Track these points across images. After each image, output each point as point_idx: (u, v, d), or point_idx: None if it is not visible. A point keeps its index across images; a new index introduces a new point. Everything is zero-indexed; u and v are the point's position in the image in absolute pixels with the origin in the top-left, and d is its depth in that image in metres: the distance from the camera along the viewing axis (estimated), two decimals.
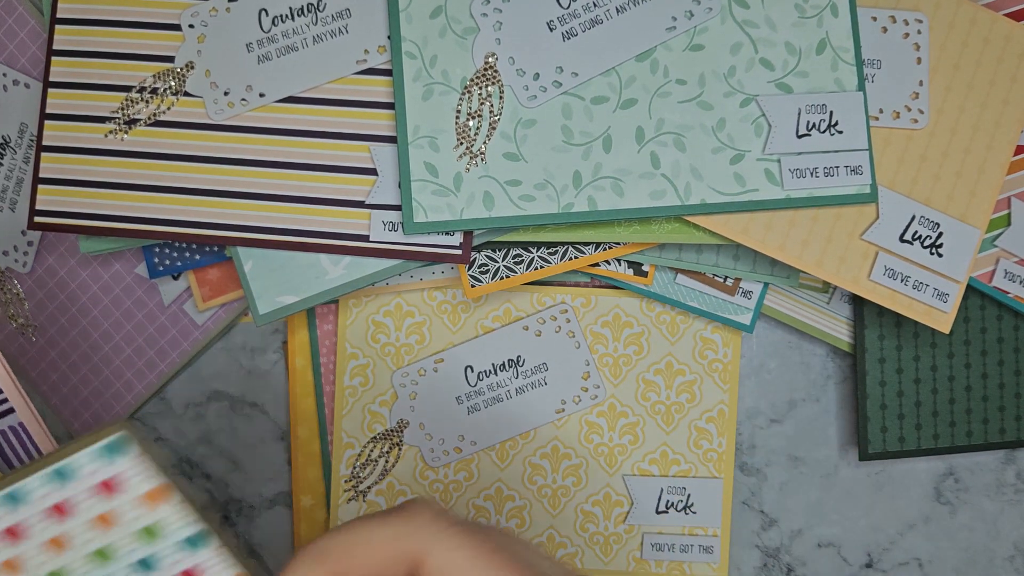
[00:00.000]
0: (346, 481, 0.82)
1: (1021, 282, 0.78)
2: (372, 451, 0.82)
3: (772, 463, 0.86)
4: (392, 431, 0.82)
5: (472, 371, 0.81)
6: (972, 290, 0.80)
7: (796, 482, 0.86)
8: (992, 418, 0.82)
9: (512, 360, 0.81)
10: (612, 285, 0.81)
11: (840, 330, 0.82)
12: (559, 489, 0.82)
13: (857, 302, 0.81)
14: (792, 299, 0.82)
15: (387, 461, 0.82)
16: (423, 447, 0.82)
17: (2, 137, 0.81)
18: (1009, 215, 0.78)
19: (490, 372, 0.81)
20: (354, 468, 0.82)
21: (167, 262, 0.79)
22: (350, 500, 0.82)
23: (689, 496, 0.82)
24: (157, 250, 0.79)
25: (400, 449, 0.82)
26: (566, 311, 0.81)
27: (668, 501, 0.82)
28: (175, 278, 0.82)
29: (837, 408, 0.85)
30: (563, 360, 0.81)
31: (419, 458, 0.82)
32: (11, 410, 0.62)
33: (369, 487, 0.82)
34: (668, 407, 0.82)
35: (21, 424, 0.62)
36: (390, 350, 0.81)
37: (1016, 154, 0.77)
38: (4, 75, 0.80)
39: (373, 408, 0.82)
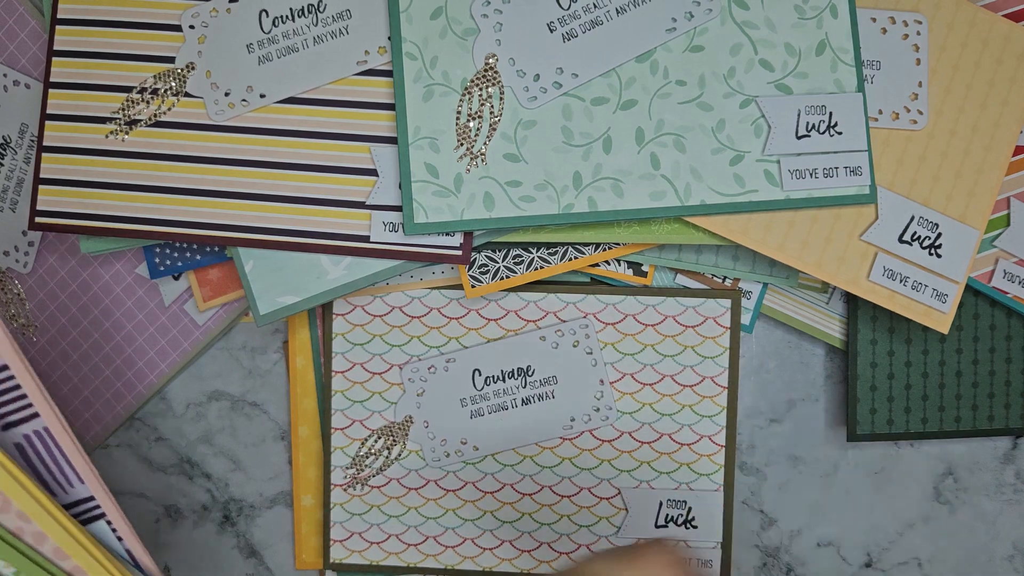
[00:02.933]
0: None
1: (1020, 282, 0.78)
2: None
3: (771, 463, 0.86)
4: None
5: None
6: (970, 287, 0.80)
7: (795, 482, 0.86)
8: (981, 405, 0.82)
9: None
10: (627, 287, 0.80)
11: (839, 330, 0.82)
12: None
13: None
14: (791, 299, 0.82)
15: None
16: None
17: (3, 137, 0.81)
18: (1008, 215, 0.78)
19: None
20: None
21: (168, 262, 0.79)
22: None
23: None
24: (158, 250, 0.79)
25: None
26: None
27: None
28: (176, 278, 0.82)
29: (836, 408, 0.85)
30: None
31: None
32: (36, 414, 0.62)
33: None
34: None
35: (46, 429, 0.62)
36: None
37: (1015, 155, 0.77)
38: (5, 75, 0.80)
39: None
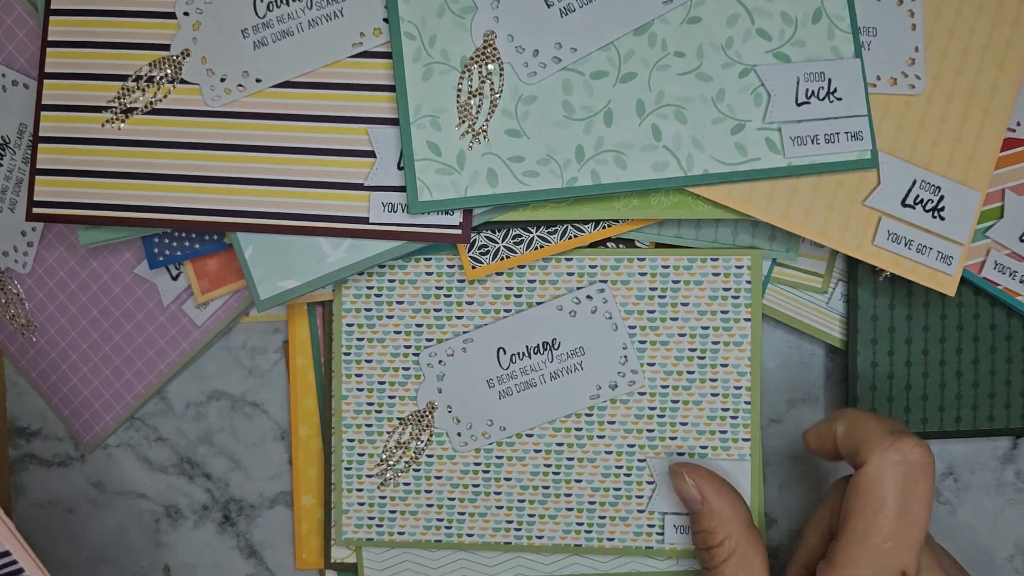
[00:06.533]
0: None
1: (1011, 274, 0.76)
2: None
3: (772, 463, 0.83)
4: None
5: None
6: (963, 279, 0.78)
7: (796, 482, 0.84)
8: (982, 405, 0.79)
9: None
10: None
11: (839, 330, 0.81)
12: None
13: (850, 282, 0.79)
14: (791, 299, 0.80)
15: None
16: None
17: (1, 138, 0.79)
18: (1002, 207, 0.76)
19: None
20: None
21: (167, 252, 0.77)
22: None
23: None
24: (157, 240, 0.77)
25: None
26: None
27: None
28: (174, 278, 0.80)
29: (836, 408, 0.83)
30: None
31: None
32: (21, 570, 0.60)
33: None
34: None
35: None
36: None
37: (1008, 148, 0.76)
38: (3, 75, 0.79)
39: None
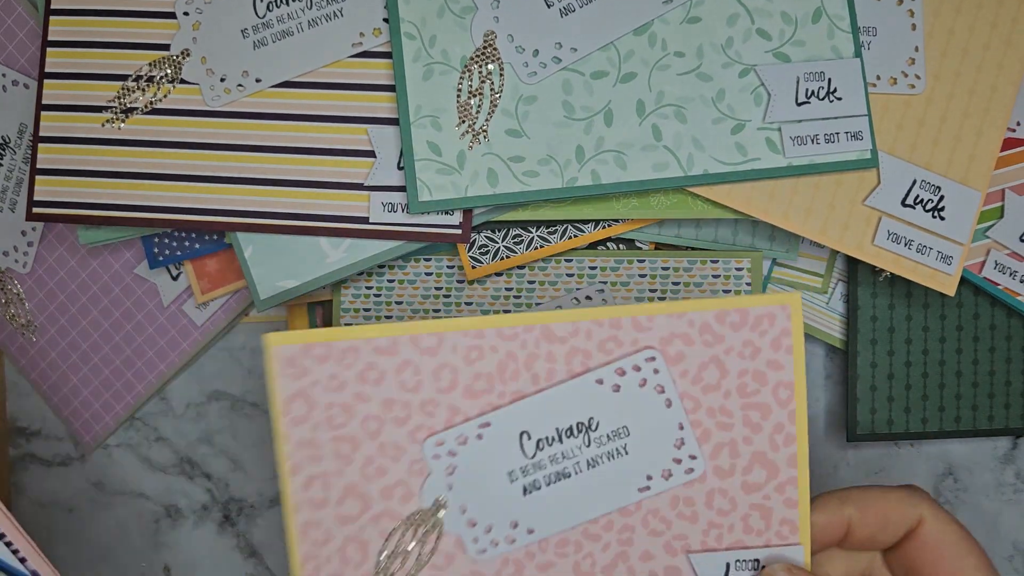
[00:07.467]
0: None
1: (1011, 274, 0.76)
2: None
3: None
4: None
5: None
6: (964, 279, 0.77)
7: None
8: (981, 405, 0.79)
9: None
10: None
11: (839, 330, 0.80)
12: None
13: (850, 282, 0.79)
14: None
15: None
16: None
17: (1, 138, 0.78)
18: (1002, 207, 0.76)
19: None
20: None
21: (167, 252, 0.77)
22: None
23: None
24: (157, 240, 0.77)
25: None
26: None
27: None
28: (174, 278, 0.80)
29: (836, 408, 0.83)
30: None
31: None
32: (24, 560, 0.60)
33: None
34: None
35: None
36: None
37: (1008, 147, 0.75)
38: (3, 75, 0.78)
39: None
